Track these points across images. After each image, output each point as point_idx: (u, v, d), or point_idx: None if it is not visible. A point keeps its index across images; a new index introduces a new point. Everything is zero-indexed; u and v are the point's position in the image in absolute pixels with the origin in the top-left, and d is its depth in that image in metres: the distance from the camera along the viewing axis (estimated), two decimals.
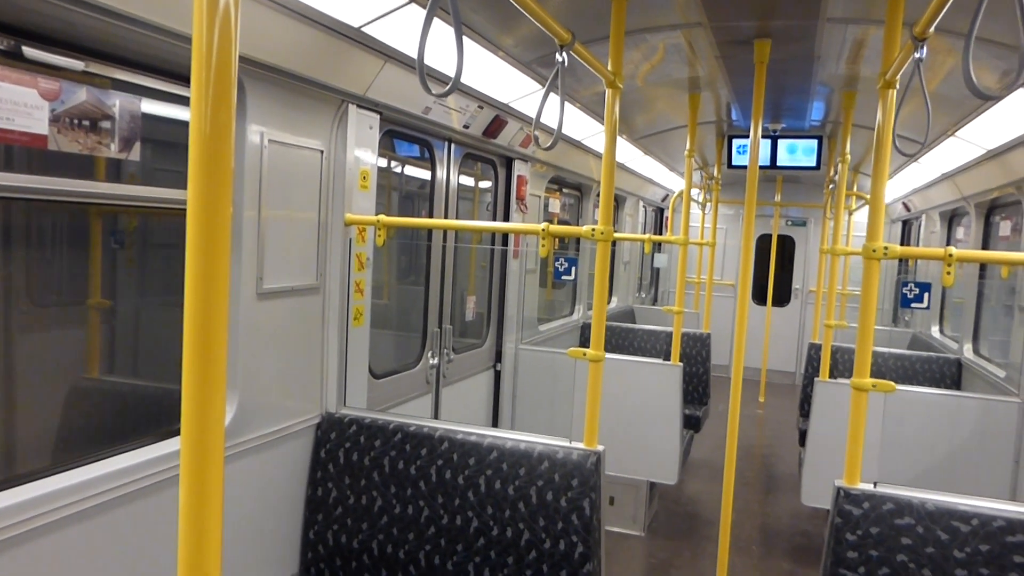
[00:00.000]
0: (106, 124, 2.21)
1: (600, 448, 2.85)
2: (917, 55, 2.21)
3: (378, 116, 3.36)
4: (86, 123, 2.15)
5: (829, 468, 2.81)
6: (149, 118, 2.44)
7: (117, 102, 2.25)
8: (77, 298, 2.69)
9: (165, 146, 2.83)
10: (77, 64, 2.13)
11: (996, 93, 1.72)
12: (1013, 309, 5.03)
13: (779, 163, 6.98)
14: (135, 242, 2.94)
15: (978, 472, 4.39)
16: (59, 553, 2.09)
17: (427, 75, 1.76)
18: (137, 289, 3.01)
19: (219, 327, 1.03)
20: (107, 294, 2.75)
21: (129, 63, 2.32)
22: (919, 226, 8.45)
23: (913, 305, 2.94)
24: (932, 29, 2.14)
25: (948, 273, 2.60)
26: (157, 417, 2.77)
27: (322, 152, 3.04)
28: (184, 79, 2.50)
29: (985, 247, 6.07)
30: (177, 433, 2.49)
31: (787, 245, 11.09)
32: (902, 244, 9.57)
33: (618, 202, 8.62)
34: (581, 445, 2.88)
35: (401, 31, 2.96)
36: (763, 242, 10.64)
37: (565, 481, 2.79)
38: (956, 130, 4.74)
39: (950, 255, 2.60)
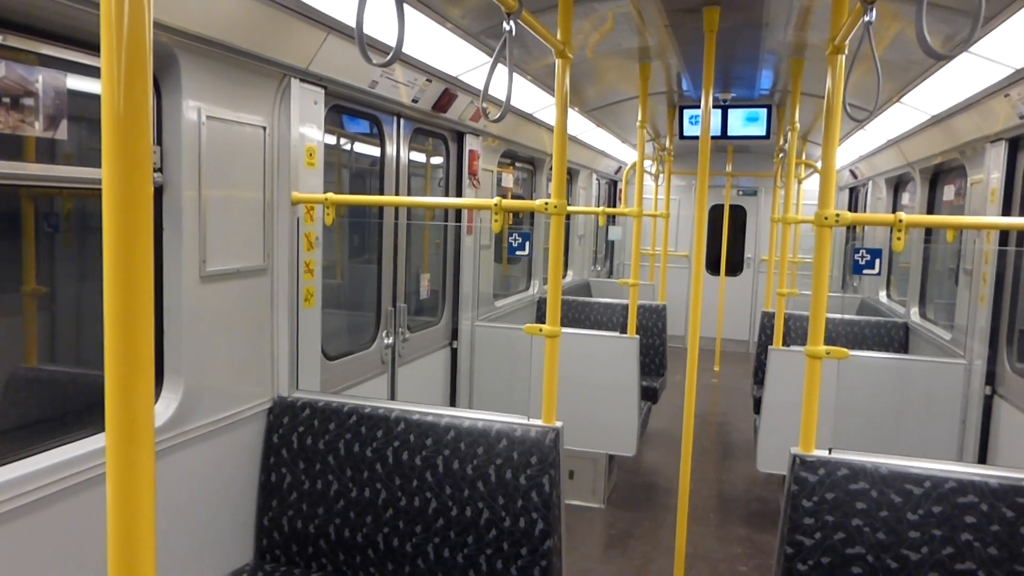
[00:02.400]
0: (29, 101, 2.09)
1: (558, 424, 2.83)
2: (867, 18, 2.19)
3: (323, 90, 3.25)
4: (6, 100, 2.03)
5: (783, 434, 2.84)
6: (83, 96, 2.32)
7: (40, 78, 2.13)
8: (11, 285, 2.56)
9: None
10: None
11: (948, 53, 1.71)
12: (957, 273, 5.15)
13: (730, 133, 7.01)
14: (72, 226, 2.81)
15: (926, 433, 4.49)
16: None
17: (371, 46, 1.69)
18: (76, 274, 2.89)
19: (144, 314, 0.96)
20: (44, 280, 2.63)
21: (52, 36, 2.19)
22: (866, 193, 8.59)
23: (865, 271, 2.96)
24: None
25: (898, 239, 2.62)
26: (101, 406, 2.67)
27: (265, 128, 2.94)
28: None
29: (930, 212, 6.19)
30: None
31: (739, 215, 11.20)
32: (849, 211, 9.72)
33: (571, 175, 8.59)
34: (539, 422, 2.85)
35: (344, 2, 2.86)
36: (715, 212, 10.72)
37: (524, 459, 2.77)
38: (901, 96, 4.79)
39: (900, 221, 2.62)
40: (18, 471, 2.09)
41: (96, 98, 2.49)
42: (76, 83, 2.30)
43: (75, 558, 2.24)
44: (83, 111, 2.42)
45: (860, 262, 2.96)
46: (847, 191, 9.74)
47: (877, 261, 2.94)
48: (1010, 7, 2.95)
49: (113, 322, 0.95)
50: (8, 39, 2.04)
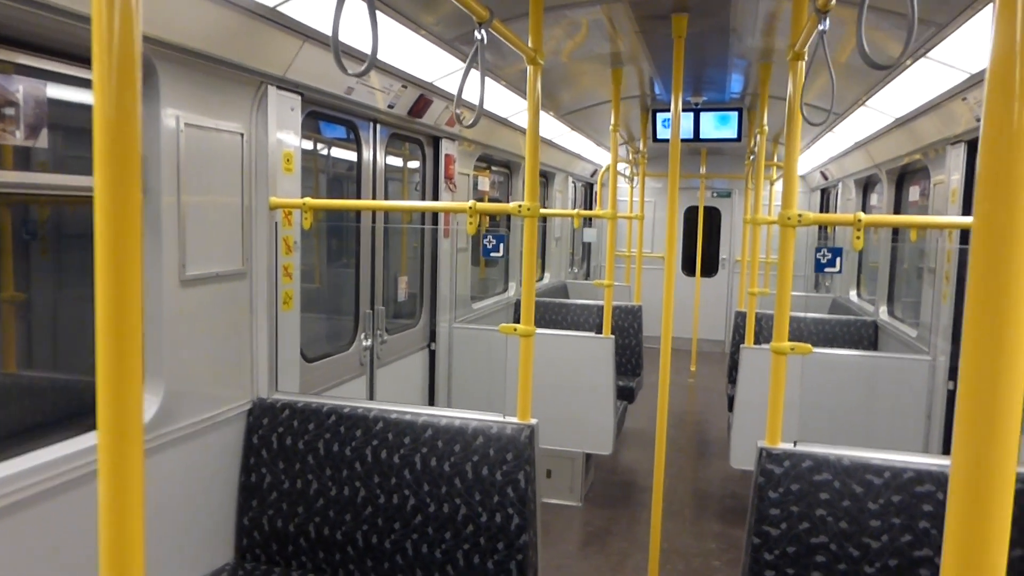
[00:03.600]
0: (9, 111, 2.13)
1: (533, 421, 2.90)
2: (821, 27, 2.29)
3: (299, 97, 3.31)
4: None
5: (756, 431, 2.92)
6: (60, 104, 2.36)
7: (21, 87, 2.17)
8: None
9: (79, 132, 2.74)
10: None
11: (889, 62, 1.80)
12: (923, 272, 5.28)
13: (702, 135, 7.12)
14: (49, 233, 2.84)
15: (893, 428, 4.62)
16: None
17: (346, 54, 1.75)
18: (53, 280, 2.92)
19: (133, 316, 1.02)
20: (21, 287, 2.66)
21: (32, 47, 2.24)
22: (837, 194, 8.76)
23: (827, 269, 3.06)
24: (834, 1, 2.22)
25: (858, 238, 2.72)
26: (80, 411, 2.70)
27: (243, 135, 2.99)
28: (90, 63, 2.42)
29: (897, 212, 6.33)
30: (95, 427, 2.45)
31: (714, 216, 11.35)
32: (821, 211, 9.88)
33: (547, 178, 8.67)
34: (515, 419, 2.92)
35: (319, 10, 2.92)
36: (690, 214, 10.86)
37: (500, 455, 2.83)
38: (866, 99, 4.92)
39: (859, 220, 2.72)
40: (10, 469, 2.13)
41: (73, 106, 2.54)
42: (56, 92, 2.34)
43: (66, 553, 2.28)
44: (62, 120, 2.46)
45: (821, 260, 3.06)
46: (819, 192, 9.91)
47: (838, 259, 3.04)
48: (964, 13, 3.06)
49: (105, 324, 1.00)
50: None
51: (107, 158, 0.99)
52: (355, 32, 2.96)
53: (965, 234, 4.45)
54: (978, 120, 3.92)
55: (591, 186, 10.85)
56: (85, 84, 2.46)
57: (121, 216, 1.00)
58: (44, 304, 2.84)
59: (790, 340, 2.83)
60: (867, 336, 6.31)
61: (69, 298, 2.93)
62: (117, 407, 1.03)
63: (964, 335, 0.93)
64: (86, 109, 2.58)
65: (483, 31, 2.51)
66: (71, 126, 2.67)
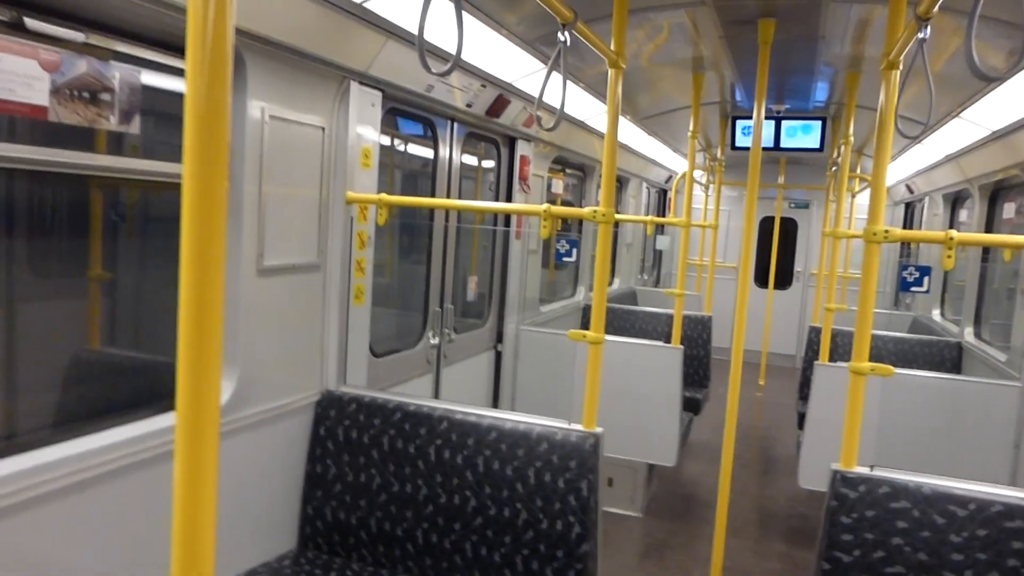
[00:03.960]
0: (106, 96, 2.21)
1: (599, 430, 2.86)
2: (921, 35, 2.19)
3: (380, 93, 3.34)
4: (86, 95, 2.14)
5: (827, 451, 2.82)
6: (154, 91, 2.43)
7: (117, 74, 2.24)
8: (78, 270, 2.69)
9: (170, 119, 2.82)
10: (78, 36, 2.12)
11: (1000, 74, 1.70)
12: (1015, 293, 5.02)
13: (782, 145, 6.95)
14: (136, 215, 2.93)
15: (977, 457, 4.40)
16: (56, 522, 2.11)
17: (428, 52, 1.75)
18: (138, 262, 3.01)
19: (215, 303, 1.03)
20: (108, 267, 2.76)
21: (130, 35, 2.31)
22: (922, 208, 8.42)
23: (913, 289, 2.93)
24: (936, 8, 2.12)
25: (949, 256, 2.60)
26: (158, 390, 2.78)
27: (323, 129, 3.03)
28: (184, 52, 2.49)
29: (988, 230, 6.05)
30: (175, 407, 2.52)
31: (790, 228, 11.06)
32: (905, 227, 9.53)
33: (621, 183, 8.59)
34: (580, 427, 2.88)
35: (403, 7, 2.94)
36: (766, 224, 10.61)
37: (563, 462, 2.80)
38: (961, 111, 4.71)
39: (951, 238, 2.59)
40: (92, 444, 2.21)
41: (170, 93, 2.61)
42: (149, 79, 2.42)
43: (138, 529, 2.35)
44: (158, 106, 2.54)
45: (908, 279, 2.93)
46: (903, 206, 9.56)
47: (926, 279, 2.91)
48: None
49: (187, 309, 1.01)
50: (90, 37, 2.15)
51: (196, 147, 1.00)
52: (438, 30, 2.97)
53: None
54: None
55: (665, 192, 10.71)
56: (177, 72, 2.53)
57: (208, 204, 1.01)
58: (128, 284, 2.93)
59: (869, 359, 2.71)
60: (950, 358, 6.04)
61: (154, 279, 3.02)
62: (196, 389, 1.04)
63: None
64: (176, 96, 2.66)
65: (567, 33, 2.48)
66: (163, 113, 2.75)
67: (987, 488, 2.48)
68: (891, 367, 2.73)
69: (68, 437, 2.19)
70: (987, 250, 6.04)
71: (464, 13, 2.06)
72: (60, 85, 2.08)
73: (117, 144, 2.49)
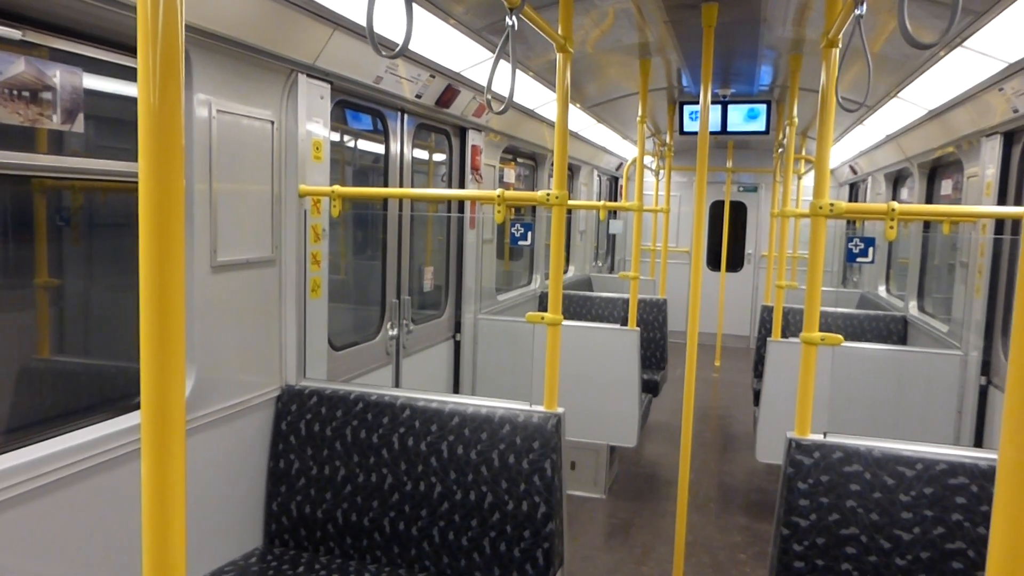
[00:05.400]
0: (47, 95, 2.16)
1: (560, 410, 2.90)
2: (857, 11, 2.26)
3: (329, 85, 3.32)
4: (26, 94, 2.10)
5: (782, 424, 2.90)
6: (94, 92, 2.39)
7: (58, 73, 2.19)
8: (24, 278, 2.63)
9: (110, 121, 2.77)
10: (14, 33, 2.08)
11: (932, 43, 1.77)
12: (955, 268, 5.21)
13: (730, 128, 7.07)
14: (80, 220, 2.88)
15: (924, 424, 4.56)
16: (20, 528, 2.07)
17: (378, 43, 1.76)
18: (85, 267, 2.96)
19: (175, 301, 1.03)
20: (54, 273, 2.70)
21: (71, 33, 2.26)
22: (866, 189, 8.65)
23: (859, 259, 3.02)
24: None
25: (891, 228, 2.69)
26: (110, 393, 2.74)
27: (273, 123, 3.01)
28: (129, 49, 2.45)
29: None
30: (135, 408, 2.48)
31: (740, 211, 11.26)
32: None
33: (572, 171, 8.65)
34: (541, 408, 2.92)
35: None
36: (716, 208, 10.78)
37: (526, 444, 2.83)
38: (899, 91, 4.85)
39: (893, 210, 2.68)
40: (55, 447, 2.17)
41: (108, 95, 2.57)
42: (91, 79, 2.37)
43: (107, 531, 2.32)
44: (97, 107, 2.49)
45: (854, 250, 3.02)
46: (847, 187, 9.80)
47: (870, 249, 3.00)
48: (1002, 1, 3.01)
49: (148, 307, 1.02)
50: (27, 35, 2.11)
51: (151, 145, 1.00)
52: (385, 21, 2.96)
53: (1000, 227, 4.38)
54: (1015, 112, 3.85)
55: (616, 180, 10.82)
56: (120, 71, 2.49)
57: (165, 202, 1.02)
58: (76, 291, 2.88)
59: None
60: (896, 331, 6.24)
61: (101, 285, 2.97)
62: (160, 387, 1.04)
63: (1014, 327, 0.92)
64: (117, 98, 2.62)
65: (514, 17, 2.50)
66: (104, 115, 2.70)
67: (933, 448, 2.58)
68: (840, 336, 2.82)
69: (24, 443, 2.15)
70: (927, 225, 6.23)
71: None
72: None
73: (60, 143, 2.45)
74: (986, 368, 4.42)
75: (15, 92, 2.09)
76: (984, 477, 2.47)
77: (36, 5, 2.09)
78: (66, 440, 2.22)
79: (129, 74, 2.54)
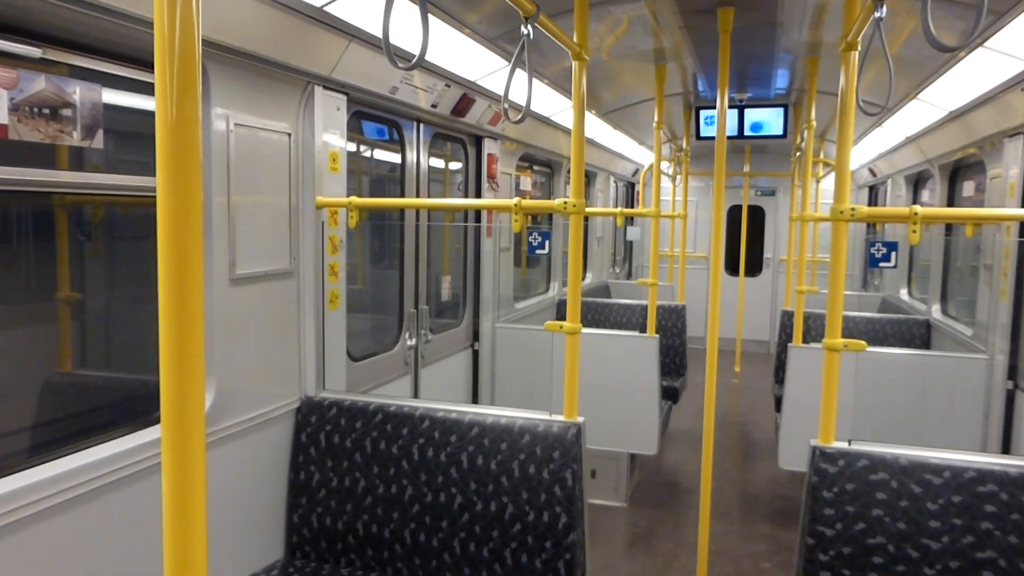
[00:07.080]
0: (67, 112, 2.18)
1: (580, 419, 2.88)
2: (877, 14, 2.23)
3: (345, 97, 3.33)
4: (46, 111, 2.11)
5: (805, 431, 2.86)
6: (113, 107, 2.41)
7: (78, 89, 2.21)
8: (47, 293, 2.65)
9: (129, 136, 2.80)
10: (34, 51, 2.09)
11: (955, 45, 1.74)
12: (978, 270, 5.13)
13: (746, 133, 7.03)
14: (102, 234, 2.90)
15: (949, 428, 4.49)
16: (42, 545, 2.08)
17: (393, 52, 1.76)
18: (106, 281, 2.98)
19: (195, 314, 1.03)
20: (76, 287, 2.72)
21: (89, 50, 2.28)
22: (885, 191, 8.57)
23: (881, 264, 2.98)
24: None
25: (914, 231, 2.65)
26: (133, 407, 2.75)
27: (290, 135, 3.02)
28: (146, 65, 2.47)
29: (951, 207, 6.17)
30: (156, 422, 2.49)
31: (758, 215, 11.18)
32: None
33: (589, 178, 8.64)
34: (561, 417, 2.90)
35: (365, 10, 2.94)
36: (734, 213, 10.72)
37: (547, 453, 2.81)
38: (918, 92, 4.80)
39: (915, 214, 2.64)
40: (77, 462, 2.18)
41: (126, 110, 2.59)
42: (111, 95, 2.39)
43: (128, 545, 2.32)
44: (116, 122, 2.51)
45: (876, 255, 2.98)
46: (867, 190, 9.72)
47: (893, 254, 2.96)
48: None
49: (168, 321, 1.02)
50: (48, 53, 2.13)
51: (169, 160, 1.00)
52: (401, 31, 2.97)
53: None
54: None
55: (633, 186, 10.79)
56: (139, 86, 2.51)
57: (183, 216, 1.01)
58: (97, 305, 2.89)
59: (841, 337, 2.76)
60: (919, 335, 6.16)
61: (122, 297, 2.99)
62: (180, 403, 1.04)
63: None
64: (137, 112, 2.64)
65: (530, 26, 2.49)
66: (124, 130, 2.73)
67: (960, 455, 2.53)
68: (863, 343, 2.78)
69: (46, 459, 2.16)
70: (949, 227, 6.16)
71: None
72: (19, 102, 2.05)
73: (80, 159, 2.47)
74: (1013, 372, 4.35)
75: (36, 109, 2.11)
76: (1014, 484, 2.42)
77: (55, 23, 2.10)
78: (88, 455, 2.23)
79: (147, 89, 2.56)
